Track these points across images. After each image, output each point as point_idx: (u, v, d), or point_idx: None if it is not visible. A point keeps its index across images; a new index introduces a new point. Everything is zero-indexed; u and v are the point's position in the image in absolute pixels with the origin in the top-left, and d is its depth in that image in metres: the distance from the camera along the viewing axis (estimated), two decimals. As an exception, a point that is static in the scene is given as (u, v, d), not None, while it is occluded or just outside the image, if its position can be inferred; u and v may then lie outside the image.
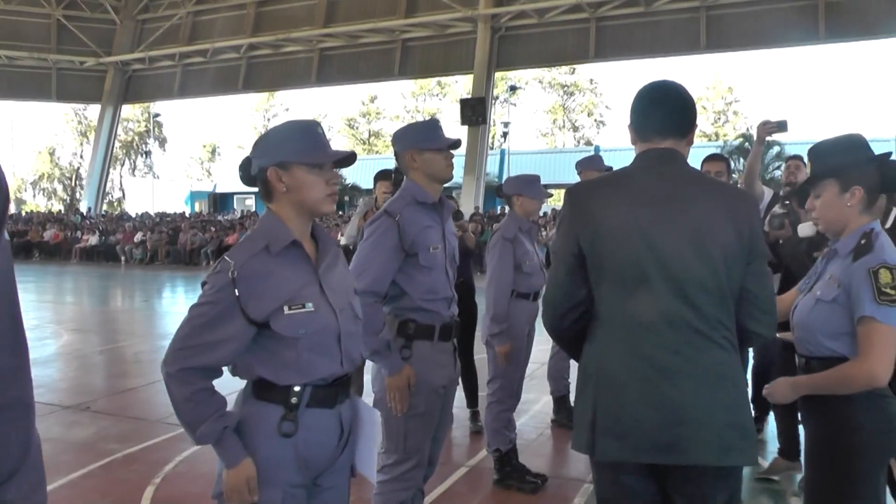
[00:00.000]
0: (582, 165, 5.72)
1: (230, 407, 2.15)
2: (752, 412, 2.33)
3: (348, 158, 2.22)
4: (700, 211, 2.15)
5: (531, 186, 4.62)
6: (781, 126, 4.24)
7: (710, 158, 5.30)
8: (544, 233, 20.03)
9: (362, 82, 33.74)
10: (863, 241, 2.42)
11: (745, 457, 2.14)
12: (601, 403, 2.13)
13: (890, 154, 2.55)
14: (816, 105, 75.15)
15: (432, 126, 3.19)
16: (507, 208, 5.07)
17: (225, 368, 2.16)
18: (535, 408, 6.37)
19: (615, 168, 2.77)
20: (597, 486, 2.32)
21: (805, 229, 3.99)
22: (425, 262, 3.06)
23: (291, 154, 2.14)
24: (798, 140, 19.14)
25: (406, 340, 3.08)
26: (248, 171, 2.23)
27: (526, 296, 4.59)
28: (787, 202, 4.85)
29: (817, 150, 2.62)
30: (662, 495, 2.19)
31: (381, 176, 5.67)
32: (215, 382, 2.12)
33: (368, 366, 3.69)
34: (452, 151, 3.21)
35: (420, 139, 3.13)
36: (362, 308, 2.91)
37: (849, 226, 2.50)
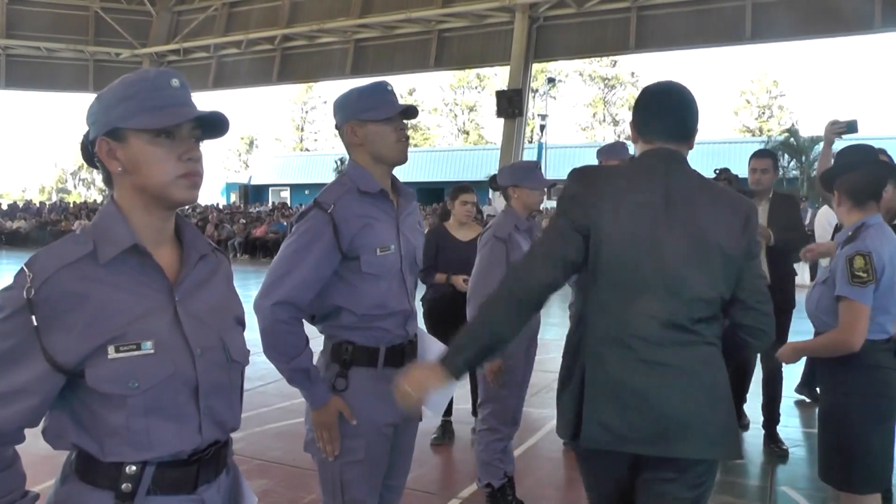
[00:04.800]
0: (603, 153, 5.09)
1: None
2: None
3: (216, 124, 1.56)
4: (703, 218, 2.15)
5: (530, 175, 3.92)
6: (851, 127, 3.84)
7: (758, 155, 5.03)
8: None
9: (398, 73, 33.24)
10: (850, 234, 2.96)
11: (728, 451, 2.21)
12: (590, 393, 2.12)
13: (875, 159, 3.15)
14: (870, 97, 72.90)
15: (378, 90, 2.48)
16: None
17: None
18: (550, 424, 5.73)
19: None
20: (581, 473, 2.37)
21: None
22: (370, 269, 2.41)
23: (126, 117, 1.48)
24: (849, 138, 17.96)
25: (342, 367, 2.43)
26: (87, 148, 1.57)
27: (523, 306, 3.88)
28: None
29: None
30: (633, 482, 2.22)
31: None
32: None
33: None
34: (410, 124, 2.54)
35: (362, 107, 2.45)
36: (272, 325, 2.30)
37: (845, 222, 3.06)
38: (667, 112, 2.25)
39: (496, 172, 4.08)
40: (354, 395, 2.42)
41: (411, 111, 2.51)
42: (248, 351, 1.73)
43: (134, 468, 1.47)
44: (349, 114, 2.48)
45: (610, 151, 5.00)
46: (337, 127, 2.54)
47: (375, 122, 2.44)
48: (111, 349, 1.44)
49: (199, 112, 1.52)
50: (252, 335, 2.17)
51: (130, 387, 1.45)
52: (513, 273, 2.24)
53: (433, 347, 2.73)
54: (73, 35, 32.15)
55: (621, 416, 2.08)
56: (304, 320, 2.45)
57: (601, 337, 2.13)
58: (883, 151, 4.55)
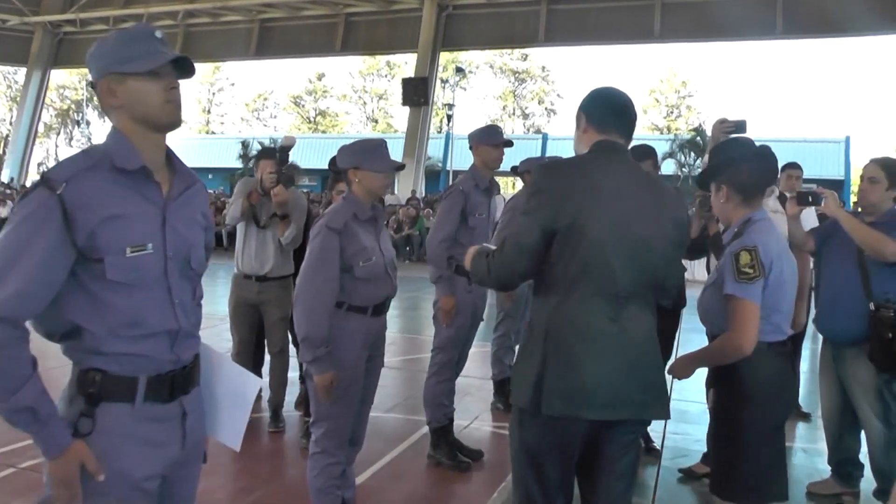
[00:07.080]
0: (474, 139, 4.90)
1: None
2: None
3: None
4: (645, 197, 2.42)
5: (373, 156, 3.32)
6: (740, 127, 3.74)
7: (640, 154, 4.52)
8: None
9: (304, 56, 32.71)
10: (736, 230, 2.80)
11: (656, 413, 2.46)
12: (550, 365, 2.31)
13: (765, 152, 2.94)
14: (773, 101, 75.82)
15: (142, 35, 1.90)
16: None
17: None
18: (419, 433, 5.27)
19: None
20: (528, 440, 2.43)
21: None
22: (116, 275, 1.81)
23: None
24: (754, 138, 18.29)
25: (87, 403, 1.83)
26: None
27: (362, 309, 3.29)
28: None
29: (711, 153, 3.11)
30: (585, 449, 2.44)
31: (265, 154, 5.11)
32: None
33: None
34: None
35: (121, 57, 1.86)
36: None
37: (731, 219, 2.86)
38: (622, 112, 2.53)
39: (335, 155, 3.43)
40: (103, 441, 1.82)
41: (184, 64, 1.93)
42: None
43: None
44: (105, 64, 1.88)
45: (481, 137, 4.76)
46: (92, 84, 1.94)
47: (138, 77, 1.86)
48: None
49: None
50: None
51: None
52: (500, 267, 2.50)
53: (225, 371, 2.18)
54: (-51, -4, 29.77)
55: (577, 387, 2.30)
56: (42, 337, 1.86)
57: (563, 316, 2.33)
58: (767, 149, 4.27)
